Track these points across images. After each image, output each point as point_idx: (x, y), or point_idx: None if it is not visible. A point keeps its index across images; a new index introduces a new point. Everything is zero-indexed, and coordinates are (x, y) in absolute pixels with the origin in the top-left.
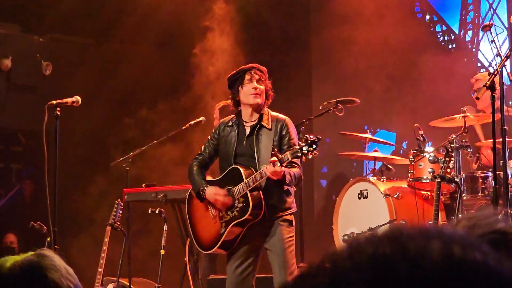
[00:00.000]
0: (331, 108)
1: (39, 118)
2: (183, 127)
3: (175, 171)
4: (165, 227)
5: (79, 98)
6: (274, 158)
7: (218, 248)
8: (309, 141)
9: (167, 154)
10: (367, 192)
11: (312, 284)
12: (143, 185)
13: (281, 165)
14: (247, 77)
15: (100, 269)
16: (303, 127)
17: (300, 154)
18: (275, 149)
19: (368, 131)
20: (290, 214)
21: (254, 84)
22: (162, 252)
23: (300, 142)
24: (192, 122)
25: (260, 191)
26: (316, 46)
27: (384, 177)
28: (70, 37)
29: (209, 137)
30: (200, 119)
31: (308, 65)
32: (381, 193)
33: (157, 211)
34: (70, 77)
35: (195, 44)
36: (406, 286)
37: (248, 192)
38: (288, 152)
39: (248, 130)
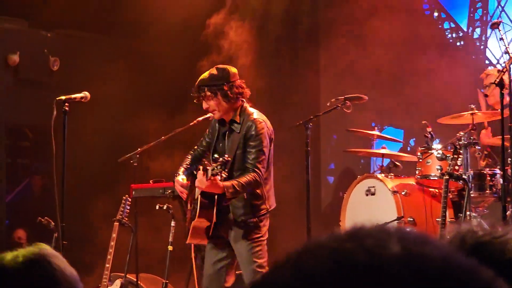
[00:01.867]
0: (339, 105)
1: (46, 114)
2: (191, 123)
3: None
4: (172, 223)
5: (88, 94)
6: (201, 171)
7: (190, 239)
8: (220, 163)
9: (175, 150)
10: (374, 189)
11: (276, 276)
12: (150, 181)
13: (207, 177)
14: (199, 97)
15: (107, 265)
16: (310, 124)
17: (215, 172)
18: (205, 161)
19: (376, 128)
20: (259, 216)
21: (204, 106)
22: (170, 248)
23: (217, 161)
24: (200, 118)
25: (216, 195)
26: (324, 42)
27: (392, 174)
28: (78, 32)
29: (206, 131)
30: (208, 115)
31: (316, 62)
32: (389, 190)
33: (164, 207)
34: (78, 72)
35: (206, 39)
36: (364, 274)
37: (199, 197)
38: (209, 168)
39: (224, 131)
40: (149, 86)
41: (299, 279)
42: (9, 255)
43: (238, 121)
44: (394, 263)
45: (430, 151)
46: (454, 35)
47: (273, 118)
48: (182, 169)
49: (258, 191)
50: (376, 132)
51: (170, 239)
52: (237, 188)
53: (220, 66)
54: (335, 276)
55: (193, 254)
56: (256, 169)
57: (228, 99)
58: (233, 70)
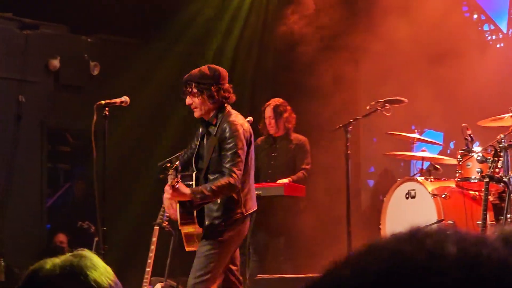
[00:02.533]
0: (379, 108)
1: (86, 118)
2: None
3: None
4: None
5: (127, 98)
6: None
7: (186, 246)
8: (173, 169)
9: None
10: (414, 192)
11: (336, 276)
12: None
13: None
14: (185, 89)
15: (148, 269)
16: (350, 127)
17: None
18: (174, 165)
19: (416, 131)
20: (230, 220)
21: (187, 101)
22: None
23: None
24: None
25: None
26: (362, 44)
27: (432, 177)
28: (118, 37)
29: (197, 133)
30: (248, 119)
31: (354, 65)
32: (429, 193)
33: None
34: (118, 77)
35: (238, 43)
36: (423, 275)
37: (178, 204)
38: (169, 176)
39: (202, 135)
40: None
41: (359, 280)
42: (48, 263)
43: (214, 123)
44: (451, 265)
45: (470, 154)
46: (493, 37)
47: (312, 120)
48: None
49: (234, 195)
50: (416, 135)
51: None
52: (206, 193)
53: (212, 66)
54: (395, 277)
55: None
56: (231, 173)
57: (213, 100)
58: (224, 72)
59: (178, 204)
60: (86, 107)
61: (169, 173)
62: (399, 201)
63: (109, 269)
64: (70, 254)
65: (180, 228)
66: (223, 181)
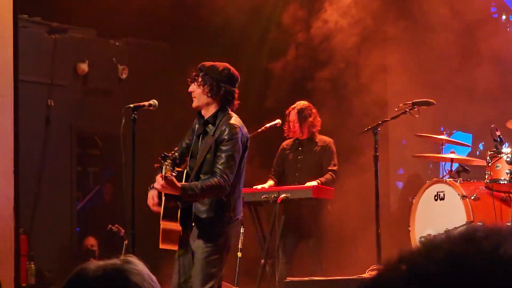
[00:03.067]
0: (407, 110)
1: (115, 122)
2: (259, 130)
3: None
4: (242, 230)
5: (156, 102)
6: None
7: (162, 244)
8: (172, 158)
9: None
10: (443, 194)
11: (391, 275)
12: None
13: (163, 178)
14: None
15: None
16: (378, 129)
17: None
18: (169, 161)
19: (444, 132)
20: (222, 224)
21: (190, 88)
22: (239, 254)
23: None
24: (267, 125)
25: (176, 201)
26: (391, 46)
27: (461, 178)
28: (146, 40)
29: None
30: (276, 121)
31: (383, 66)
32: (458, 194)
33: None
34: (146, 80)
35: (269, 46)
36: (482, 279)
37: (163, 198)
38: (163, 167)
39: (198, 133)
40: None
41: (415, 279)
42: (93, 265)
43: (213, 123)
44: (507, 267)
45: (499, 155)
46: None
47: (340, 123)
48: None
49: (223, 198)
50: (444, 137)
51: (240, 246)
52: (197, 191)
53: (227, 66)
54: (451, 278)
55: (262, 261)
56: (223, 175)
57: (211, 94)
58: (235, 76)
59: (164, 198)
60: (115, 111)
61: (166, 163)
62: (428, 203)
63: (153, 277)
64: (116, 259)
65: (160, 222)
66: (213, 181)
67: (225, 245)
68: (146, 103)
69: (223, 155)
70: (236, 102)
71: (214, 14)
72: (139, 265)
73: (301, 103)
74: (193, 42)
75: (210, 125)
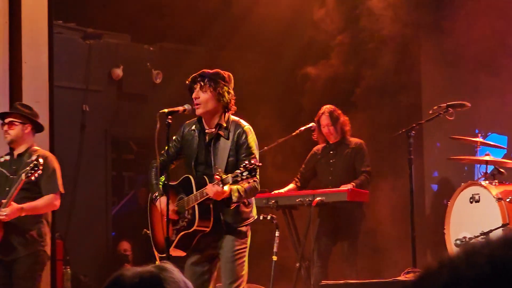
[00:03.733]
0: (441, 112)
1: (150, 126)
2: (293, 133)
3: (277, 176)
4: (277, 233)
5: (190, 106)
6: (218, 177)
7: (173, 251)
8: (249, 168)
9: (278, 160)
10: (479, 196)
11: (432, 282)
12: None
13: (223, 185)
14: (194, 86)
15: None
16: (413, 132)
17: (239, 179)
18: (220, 169)
19: (479, 134)
20: (246, 225)
21: (194, 94)
22: (274, 258)
23: (241, 167)
24: (302, 128)
25: (211, 204)
26: (425, 47)
27: (496, 180)
28: (180, 45)
29: (173, 137)
30: (310, 125)
31: (417, 68)
32: (493, 197)
33: (268, 217)
34: (180, 85)
35: (305, 53)
36: None
37: (196, 205)
38: (230, 175)
39: (207, 138)
40: (251, 97)
41: (456, 283)
42: (130, 272)
43: (226, 127)
44: None
45: None
46: None
47: (373, 125)
48: (157, 188)
49: (246, 199)
50: (479, 139)
51: (275, 249)
52: (242, 194)
53: (225, 72)
54: (492, 283)
55: (297, 264)
56: (254, 180)
57: (219, 99)
58: (232, 79)
59: (197, 210)
60: (149, 115)
61: (239, 171)
62: (463, 206)
63: (189, 284)
64: (152, 265)
65: (191, 230)
66: (252, 184)
67: (248, 246)
68: (180, 108)
69: (249, 157)
70: (235, 107)
71: (249, 19)
72: (175, 272)
73: (328, 107)
74: (227, 46)
75: (222, 129)
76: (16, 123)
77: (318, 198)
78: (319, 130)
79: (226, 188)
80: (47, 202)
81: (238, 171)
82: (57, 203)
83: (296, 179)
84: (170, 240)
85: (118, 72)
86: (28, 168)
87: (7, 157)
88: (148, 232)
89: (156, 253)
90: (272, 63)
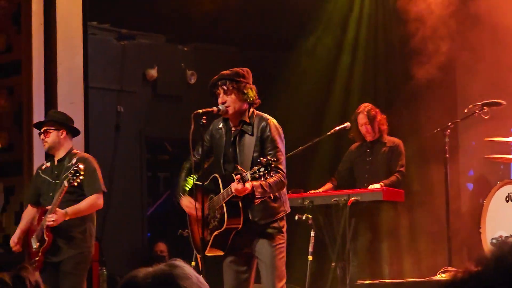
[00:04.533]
0: (477, 111)
1: (184, 127)
2: (328, 133)
3: (318, 176)
4: (312, 233)
5: (224, 107)
6: (238, 176)
7: (210, 251)
8: (265, 164)
9: (313, 160)
10: None
11: (480, 272)
12: (289, 191)
13: (244, 183)
14: (216, 91)
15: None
16: (448, 131)
17: (257, 175)
18: (240, 167)
19: None
20: (279, 219)
21: (220, 99)
22: (310, 258)
23: (258, 164)
24: (337, 128)
25: (239, 201)
26: (460, 44)
27: None
28: (214, 45)
29: (203, 137)
30: (345, 124)
31: (452, 66)
32: None
33: (303, 218)
34: None
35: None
36: None
37: (224, 204)
38: (248, 172)
39: (233, 136)
40: (287, 96)
41: (503, 275)
42: (142, 273)
43: (249, 123)
44: None
45: None
46: None
47: (409, 124)
48: (183, 189)
49: (276, 194)
50: None
51: (310, 249)
52: (266, 188)
53: (242, 68)
54: None
55: (333, 264)
56: (279, 170)
57: (245, 98)
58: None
59: (225, 209)
60: (184, 116)
61: (256, 168)
62: (499, 204)
63: (201, 278)
64: (163, 263)
65: (222, 229)
66: (276, 177)
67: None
68: (214, 108)
69: (272, 152)
70: (259, 101)
71: (285, 19)
72: (186, 268)
73: (365, 105)
74: (262, 46)
75: (245, 125)
76: (51, 131)
77: (353, 198)
78: (356, 129)
79: (247, 185)
80: (90, 203)
81: (255, 167)
82: (100, 202)
83: (333, 178)
84: (206, 240)
85: (153, 72)
86: (69, 174)
87: (48, 164)
88: (183, 232)
89: (196, 253)
90: (307, 63)
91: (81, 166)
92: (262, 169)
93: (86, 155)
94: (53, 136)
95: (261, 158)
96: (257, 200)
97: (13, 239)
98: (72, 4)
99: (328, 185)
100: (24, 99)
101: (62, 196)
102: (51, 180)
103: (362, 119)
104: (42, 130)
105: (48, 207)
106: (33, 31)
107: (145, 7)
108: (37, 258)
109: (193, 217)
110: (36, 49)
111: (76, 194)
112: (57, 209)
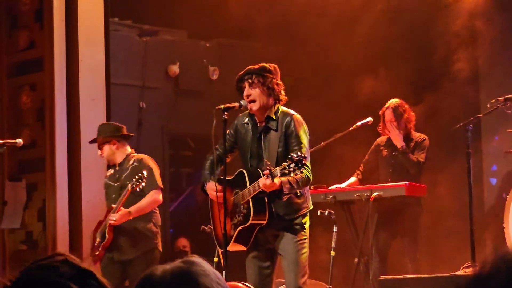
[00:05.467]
0: (500, 106)
1: (207, 123)
2: (350, 128)
3: (340, 171)
4: (334, 229)
5: (246, 102)
6: (267, 171)
7: (233, 246)
8: (295, 160)
9: (336, 156)
10: None
11: (491, 274)
12: (311, 187)
13: (273, 178)
14: (243, 84)
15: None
16: (470, 125)
17: (287, 171)
18: (268, 162)
19: None
20: (302, 216)
21: (245, 92)
22: (332, 253)
23: (288, 160)
24: (359, 123)
25: (265, 196)
26: (482, 37)
27: None
28: (237, 41)
29: (227, 131)
30: (368, 119)
31: (474, 60)
32: None
33: (326, 213)
34: None
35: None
36: None
37: (250, 199)
38: (278, 168)
39: (258, 131)
40: (308, 90)
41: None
42: (159, 270)
43: (274, 118)
44: None
45: None
46: None
47: (432, 119)
48: (208, 177)
49: (299, 190)
50: None
51: (333, 245)
52: (293, 185)
53: (270, 64)
54: None
55: (356, 259)
56: (306, 166)
57: (270, 93)
58: (279, 70)
59: (252, 204)
60: (206, 112)
61: (285, 164)
62: None
63: (219, 274)
64: (180, 260)
65: (248, 224)
66: (303, 174)
67: (308, 237)
68: (236, 104)
69: (297, 148)
70: (285, 97)
71: (306, 14)
72: (204, 265)
73: (394, 101)
74: (285, 42)
75: (271, 121)
76: (103, 146)
77: (376, 193)
78: (384, 121)
79: (276, 180)
80: (151, 199)
81: (285, 163)
82: (160, 198)
83: (358, 172)
84: (229, 236)
85: (175, 68)
86: (134, 179)
87: (111, 170)
88: (206, 228)
89: (218, 248)
90: (327, 57)
91: (145, 172)
92: (292, 165)
93: (142, 155)
94: (106, 150)
95: (292, 154)
96: (284, 197)
97: None
98: (94, 0)
99: (353, 179)
100: (46, 96)
101: (126, 197)
102: (113, 183)
103: (388, 115)
104: (97, 147)
105: (113, 206)
106: (55, 28)
107: (167, 3)
108: (97, 253)
109: (216, 212)
110: (58, 45)
111: (136, 194)
112: (121, 208)
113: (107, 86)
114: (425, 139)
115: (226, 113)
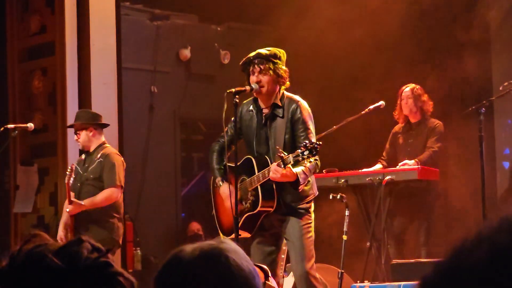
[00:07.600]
0: None
1: (218, 107)
2: (362, 112)
3: (353, 155)
4: (346, 213)
5: (257, 86)
6: (281, 156)
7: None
8: (309, 148)
9: (347, 139)
10: None
11: (469, 261)
12: (324, 170)
13: (285, 166)
14: (251, 68)
15: (283, 256)
16: (483, 109)
17: (300, 158)
18: (280, 149)
19: None
20: (307, 202)
21: (255, 78)
22: (345, 237)
23: (302, 147)
24: (371, 107)
25: (273, 183)
26: (494, 18)
27: None
28: (248, 25)
29: (232, 118)
30: (380, 103)
31: (486, 42)
32: None
33: (338, 197)
34: None
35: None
36: None
37: (258, 186)
38: (290, 155)
39: (264, 118)
40: (316, 75)
41: (496, 255)
42: (189, 247)
43: (280, 105)
44: None
45: None
46: None
47: (443, 102)
48: (219, 174)
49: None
50: None
51: (345, 229)
52: (307, 174)
53: (279, 49)
54: None
55: (368, 243)
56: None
57: (278, 79)
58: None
59: (260, 191)
60: (217, 96)
61: (299, 151)
62: None
63: (248, 257)
64: (209, 240)
65: (255, 211)
66: (314, 162)
67: (313, 222)
68: (247, 87)
69: (304, 134)
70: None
71: None
72: (233, 244)
73: (412, 84)
74: (295, 25)
75: (277, 108)
76: (80, 131)
77: (388, 177)
78: (400, 108)
79: (288, 169)
80: (105, 196)
81: (299, 150)
82: (116, 195)
83: (382, 159)
84: (219, 222)
85: (186, 53)
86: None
87: (84, 156)
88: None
89: (221, 235)
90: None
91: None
92: (306, 152)
93: (110, 150)
94: (82, 136)
95: (306, 142)
96: (300, 187)
97: None
98: None
99: (379, 166)
100: (58, 80)
101: (83, 187)
102: (81, 172)
103: (406, 92)
104: (74, 132)
105: (73, 194)
106: (66, 12)
107: None
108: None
109: (219, 200)
110: (69, 30)
111: (97, 187)
112: (74, 199)
113: (118, 70)
114: (438, 124)
115: (237, 96)
